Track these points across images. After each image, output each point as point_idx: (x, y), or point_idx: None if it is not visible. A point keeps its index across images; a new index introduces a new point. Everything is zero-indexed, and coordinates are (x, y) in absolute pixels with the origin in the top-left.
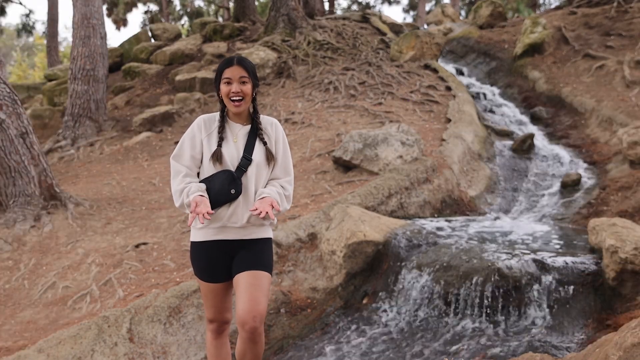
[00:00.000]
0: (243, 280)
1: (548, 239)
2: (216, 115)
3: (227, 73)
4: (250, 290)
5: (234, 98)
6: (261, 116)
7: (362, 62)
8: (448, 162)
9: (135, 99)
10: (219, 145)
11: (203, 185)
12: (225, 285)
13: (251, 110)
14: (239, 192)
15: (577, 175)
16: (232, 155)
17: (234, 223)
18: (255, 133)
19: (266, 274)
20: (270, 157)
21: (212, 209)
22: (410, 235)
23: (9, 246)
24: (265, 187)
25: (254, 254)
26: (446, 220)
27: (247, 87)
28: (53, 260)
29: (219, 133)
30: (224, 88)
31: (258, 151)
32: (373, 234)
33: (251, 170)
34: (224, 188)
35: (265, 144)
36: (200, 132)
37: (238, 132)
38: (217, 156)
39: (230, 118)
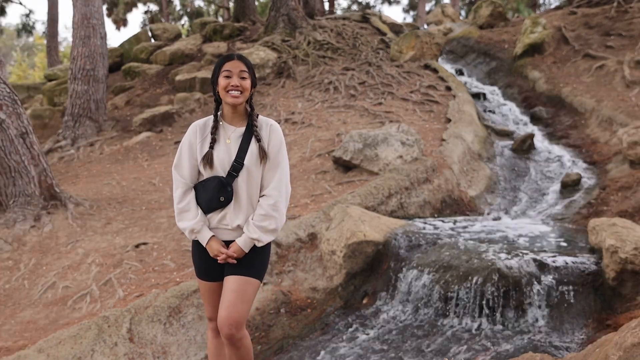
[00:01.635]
0: (227, 285)
1: (548, 239)
2: (210, 118)
3: (227, 66)
4: (231, 296)
5: (233, 91)
6: (260, 116)
7: (362, 62)
8: (448, 162)
9: (135, 99)
10: (211, 147)
11: (203, 219)
12: (222, 284)
13: (248, 109)
14: (228, 200)
15: (577, 175)
16: (222, 158)
17: (226, 226)
18: (250, 133)
19: (252, 280)
20: (262, 156)
21: (206, 214)
22: (410, 235)
23: (9, 246)
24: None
25: (245, 257)
26: (446, 220)
27: (247, 82)
28: (53, 260)
29: (211, 134)
30: (222, 81)
31: (251, 152)
32: (373, 234)
33: (242, 175)
34: (213, 196)
35: (259, 141)
36: (195, 138)
37: (231, 134)
38: (207, 159)
39: (225, 120)
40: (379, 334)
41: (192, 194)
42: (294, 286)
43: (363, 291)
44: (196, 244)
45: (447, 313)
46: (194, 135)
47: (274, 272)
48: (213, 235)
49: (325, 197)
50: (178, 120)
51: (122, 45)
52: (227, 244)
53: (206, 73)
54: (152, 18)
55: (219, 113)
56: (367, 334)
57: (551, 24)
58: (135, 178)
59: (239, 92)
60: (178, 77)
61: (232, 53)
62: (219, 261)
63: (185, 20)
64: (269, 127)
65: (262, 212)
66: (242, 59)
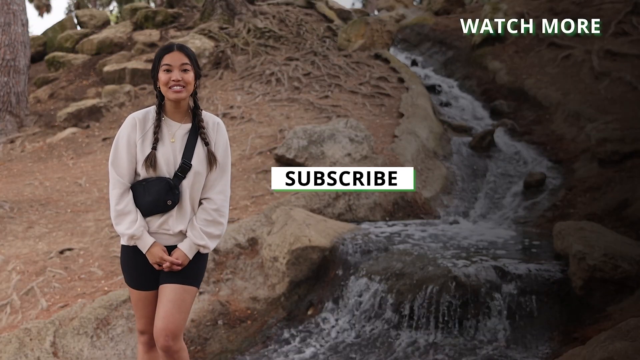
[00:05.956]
0: (164, 294)
1: (510, 244)
2: (150, 111)
3: (167, 59)
4: (168, 306)
5: (175, 86)
6: (203, 112)
7: (306, 51)
8: (401, 160)
9: (59, 91)
10: (154, 147)
11: (144, 224)
12: (156, 294)
13: (192, 105)
14: (175, 203)
15: (541, 175)
16: (167, 159)
17: (166, 230)
18: (196, 132)
19: (190, 288)
20: (212, 161)
21: (145, 217)
22: (359, 240)
23: None
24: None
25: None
26: (398, 224)
27: (189, 75)
28: None
29: (154, 133)
30: (163, 76)
31: (198, 154)
32: (319, 238)
33: (189, 177)
34: (160, 199)
35: (207, 144)
36: (134, 132)
37: (176, 132)
38: (150, 161)
39: (167, 115)
40: (325, 349)
41: (131, 195)
42: (233, 296)
43: (308, 301)
44: (127, 249)
45: (400, 325)
46: (133, 129)
47: (211, 281)
48: (155, 241)
49: (266, 198)
50: (106, 115)
51: (45, 33)
52: (167, 249)
53: (137, 63)
54: (78, 3)
55: (161, 108)
56: (313, 348)
57: (513, 9)
58: (59, 178)
59: (182, 87)
60: (106, 68)
61: (172, 43)
62: (164, 269)
63: (114, 5)
64: (216, 126)
65: (207, 217)
66: (183, 49)
